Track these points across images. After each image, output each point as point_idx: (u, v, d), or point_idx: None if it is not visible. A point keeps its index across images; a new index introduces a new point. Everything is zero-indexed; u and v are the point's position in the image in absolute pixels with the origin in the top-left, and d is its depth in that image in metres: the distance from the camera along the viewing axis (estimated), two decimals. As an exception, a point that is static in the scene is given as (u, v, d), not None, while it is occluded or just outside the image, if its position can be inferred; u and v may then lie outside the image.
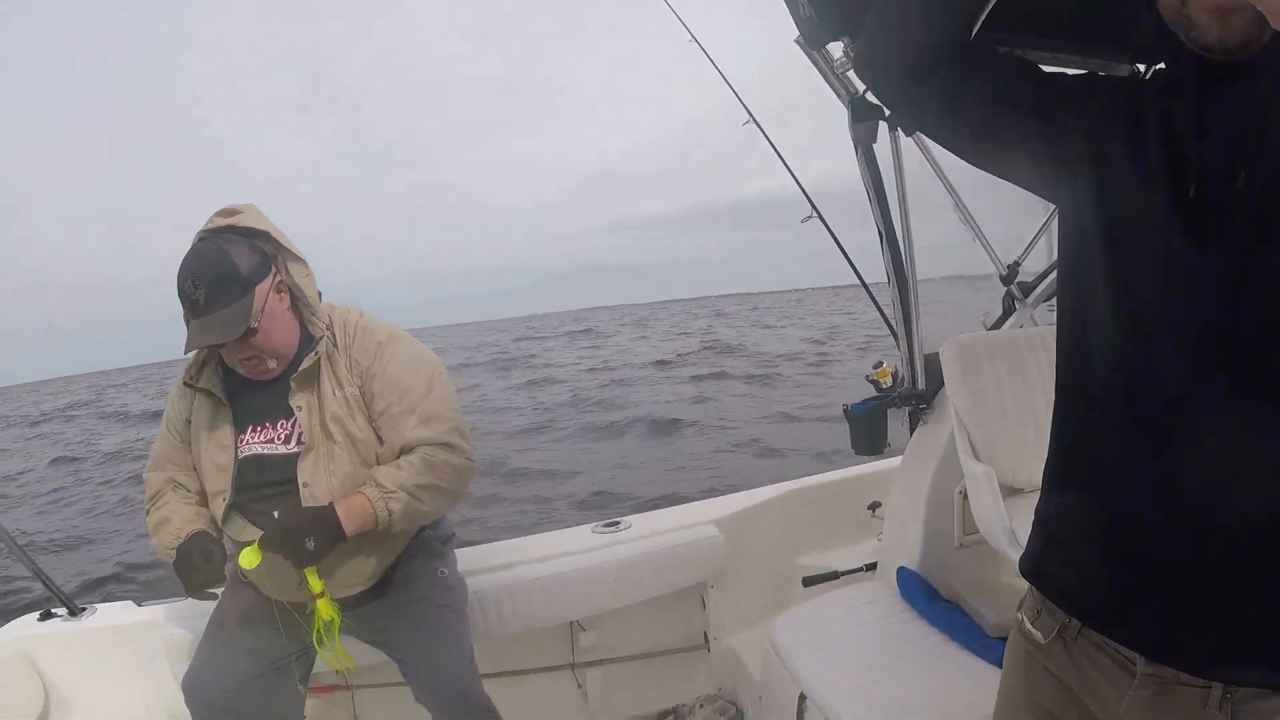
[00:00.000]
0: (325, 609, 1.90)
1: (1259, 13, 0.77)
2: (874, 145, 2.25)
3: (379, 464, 1.93)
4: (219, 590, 1.92)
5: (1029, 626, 1.20)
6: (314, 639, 1.93)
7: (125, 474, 14.66)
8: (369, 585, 2.01)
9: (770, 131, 2.58)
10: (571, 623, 2.78)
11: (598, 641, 2.84)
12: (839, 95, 2.20)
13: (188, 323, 1.79)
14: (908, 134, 2.27)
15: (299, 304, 1.97)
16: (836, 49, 2.13)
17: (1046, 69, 1.14)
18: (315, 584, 1.86)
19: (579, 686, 2.84)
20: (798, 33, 1.98)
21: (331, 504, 1.83)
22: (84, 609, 2.64)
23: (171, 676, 2.14)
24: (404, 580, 2.08)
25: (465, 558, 2.51)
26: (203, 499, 1.98)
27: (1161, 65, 1.07)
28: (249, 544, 1.80)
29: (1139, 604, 1.02)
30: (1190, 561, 0.96)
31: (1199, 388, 0.93)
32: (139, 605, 2.64)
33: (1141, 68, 2.12)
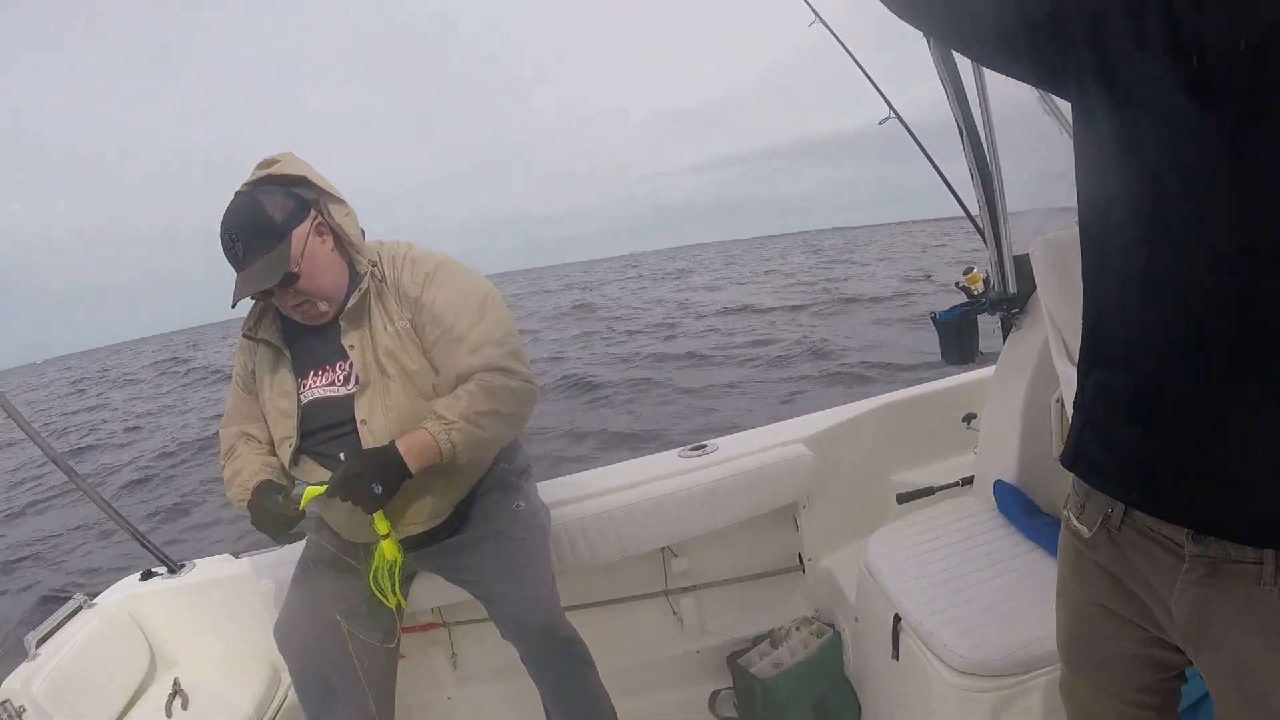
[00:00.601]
0: (389, 549, 1.93)
1: None
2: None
3: (436, 395, 1.92)
4: (303, 530, 1.97)
5: (1075, 522, 1.21)
6: (370, 577, 1.97)
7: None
8: (440, 521, 2.03)
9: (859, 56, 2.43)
10: (663, 549, 2.78)
11: (690, 567, 2.84)
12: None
13: (236, 278, 1.82)
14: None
15: (343, 244, 1.97)
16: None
17: None
18: (381, 525, 1.89)
19: (674, 613, 2.86)
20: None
21: (393, 442, 1.82)
22: (183, 565, 2.77)
23: (270, 625, 2.23)
24: (480, 516, 2.09)
25: (549, 489, 2.54)
26: (273, 448, 2.02)
27: None
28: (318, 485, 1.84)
29: (1177, 475, 1.02)
30: (1223, 425, 0.96)
31: (1217, 248, 0.93)
32: (235, 558, 2.74)
33: None
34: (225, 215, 1.84)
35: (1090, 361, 1.16)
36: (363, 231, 2.00)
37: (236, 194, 1.88)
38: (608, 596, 2.80)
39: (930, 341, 2.80)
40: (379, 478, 1.77)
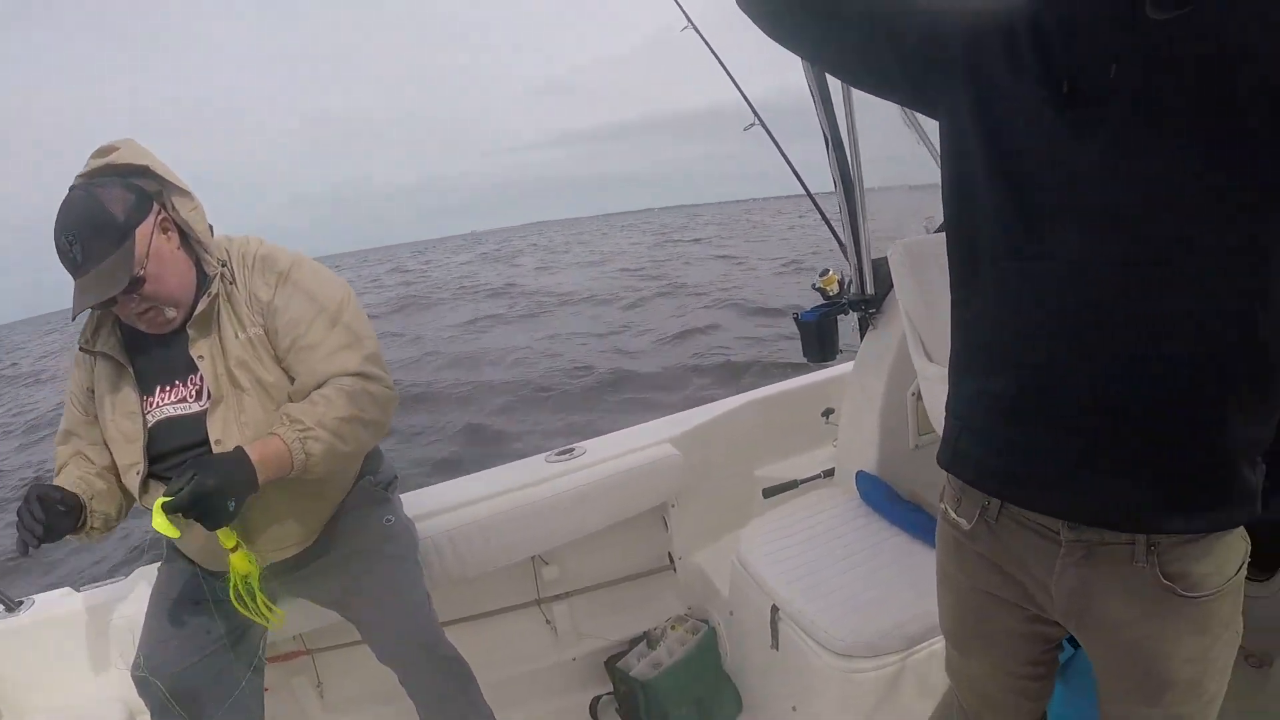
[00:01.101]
0: (240, 562, 1.73)
1: None
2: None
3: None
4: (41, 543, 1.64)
5: (953, 515, 1.28)
6: (231, 596, 1.78)
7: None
8: (307, 544, 1.90)
9: (715, 40, 2.47)
10: (533, 557, 2.75)
11: (561, 574, 2.83)
12: None
13: (74, 284, 1.63)
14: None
15: (190, 241, 1.79)
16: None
17: None
18: (226, 539, 1.69)
19: (547, 621, 2.83)
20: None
21: (241, 449, 1.65)
22: (20, 602, 2.48)
23: (122, 663, 2.04)
24: (347, 534, 1.96)
25: (413, 501, 2.43)
26: (109, 473, 1.82)
27: None
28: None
29: (1055, 469, 1.10)
30: (1098, 423, 1.04)
31: (1091, 259, 1.00)
32: (78, 591, 2.49)
33: None
34: (60, 213, 1.64)
35: (964, 368, 1.24)
36: (210, 227, 1.83)
37: (71, 189, 1.67)
38: (478, 610, 2.74)
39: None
40: (234, 492, 1.59)
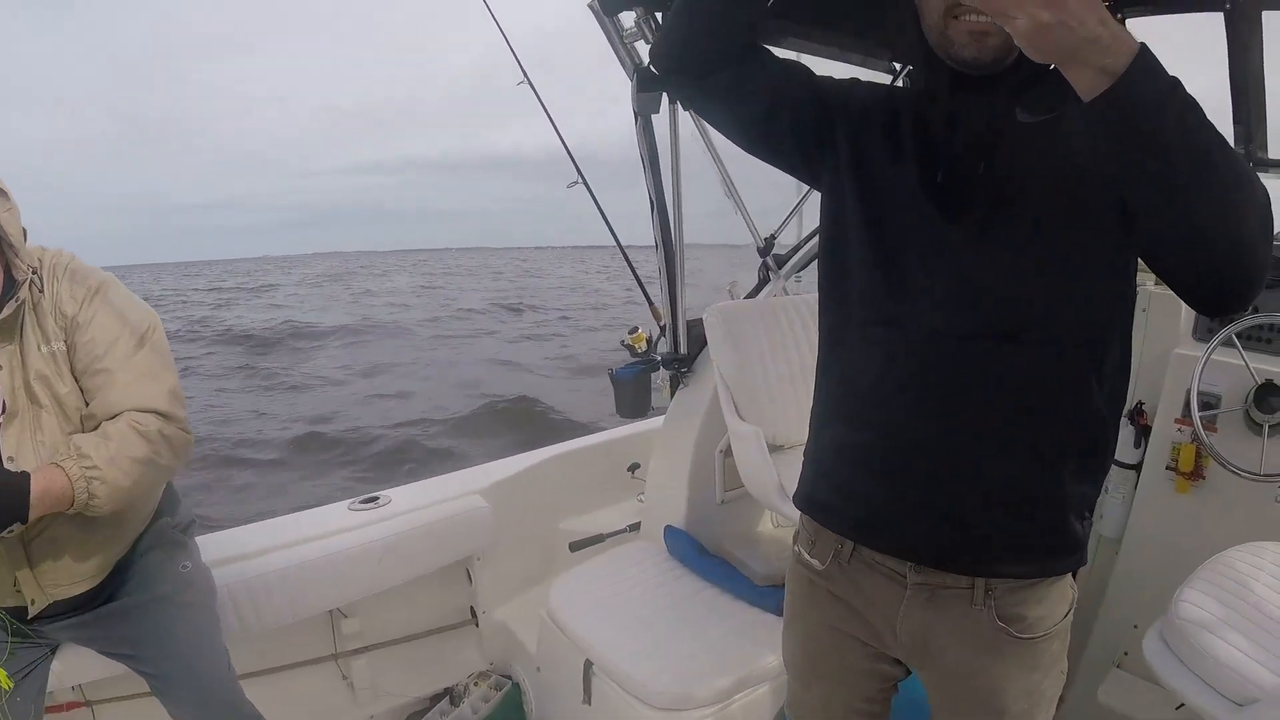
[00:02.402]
0: None
1: (1009, 37, 0.90)
2: (652, 117, 2.27)
3: (84, 429, 1.67)
4: None
5: (806, 556, 1.37)
6: None
7: None
8: (95, 584, 1.75)
9: (539, 80, 2.51)
10: (331, 611, 2.61)
11: (361, 627, 2.69)
12: (624, 64, 2.19)
13: None
14: (686, 108, 2.32)
15: (1, 245, 1.66)
16: (629, 19, 2.12)
17: (818, 74, 1.30)
18: None
19: (344, 677, 2.68)
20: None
21: (28, 474, 1.51)
22: None
23: None
24: (140, 579, 1.82)
25: (208, 546, 2.23)
26: None
27: (913, 70, 1.30)
28: None
29: (906, 519, 1.19)
30: (948, 477, 1.15)
31: (950, 329, 1.11)
32: None
33: (898, 67, 2.33)
34: None
35: (825, 419, 1.32)
36: (24, 231, 1.70)
37: None
38: (270, 664, 2.55)
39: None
40: None
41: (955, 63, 1.10)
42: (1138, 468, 2.39)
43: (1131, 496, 2.39)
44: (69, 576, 1.71)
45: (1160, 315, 2.43)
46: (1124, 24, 0.87)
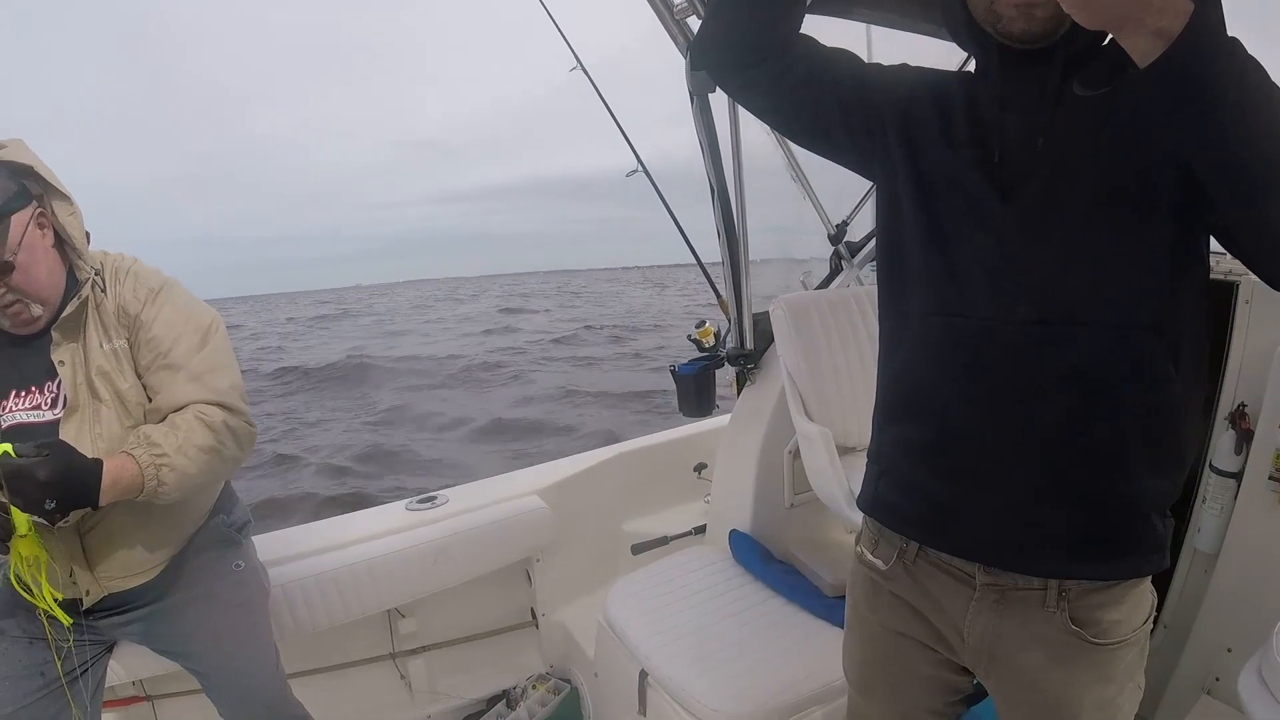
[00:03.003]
0: (27, 547, 1.60)
1: (1058, 8, 0.88)
2: (710, 96, 2.17)
3: (147, 424, 1.71)
4: None
5: (869, 556, 1.32)
6: (11, 579, 1.70)
7: None
8: (150, 579, 1.79)
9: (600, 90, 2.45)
10: (389, 610, 2.59)
11: (418, 627, 2.68)
12: (676, 42, 2.11)
13: None
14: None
15: (64, 246, 1.74)
16: (679, -6, 2.03)
17: (865, 61, 1.27)
18: (20, 521, 1.55)
19: (402, 677, 2.67)
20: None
21: (100, 461, 1.56)
22: None
23: None
24: (193, 577, 1.86)
25: (266, 545, 2.27)
26: None
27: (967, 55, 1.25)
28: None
29: (972, 516, 1.14)
30: (1013, 471, 1.09)
31: (1007, 315, 1.07)
32: None
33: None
34: None
35: (887, 416, 1.27)
36: (88, 234, 1.78)
37: None
38: (328, 662, 2.56)
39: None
40: (59, 494, 1.49)
41: (1004, 37, 1.07)
42: (1238, 476, 2.15)
43: (1230, 508, 2.16)
44: (123, 569, 1.75)
45: (1264, 306, 2.18)
46: None
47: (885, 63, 1.28)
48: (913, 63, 1.28)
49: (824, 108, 1.23)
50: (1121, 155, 1.01)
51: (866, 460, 1.33)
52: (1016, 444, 1.08)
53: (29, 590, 1.68)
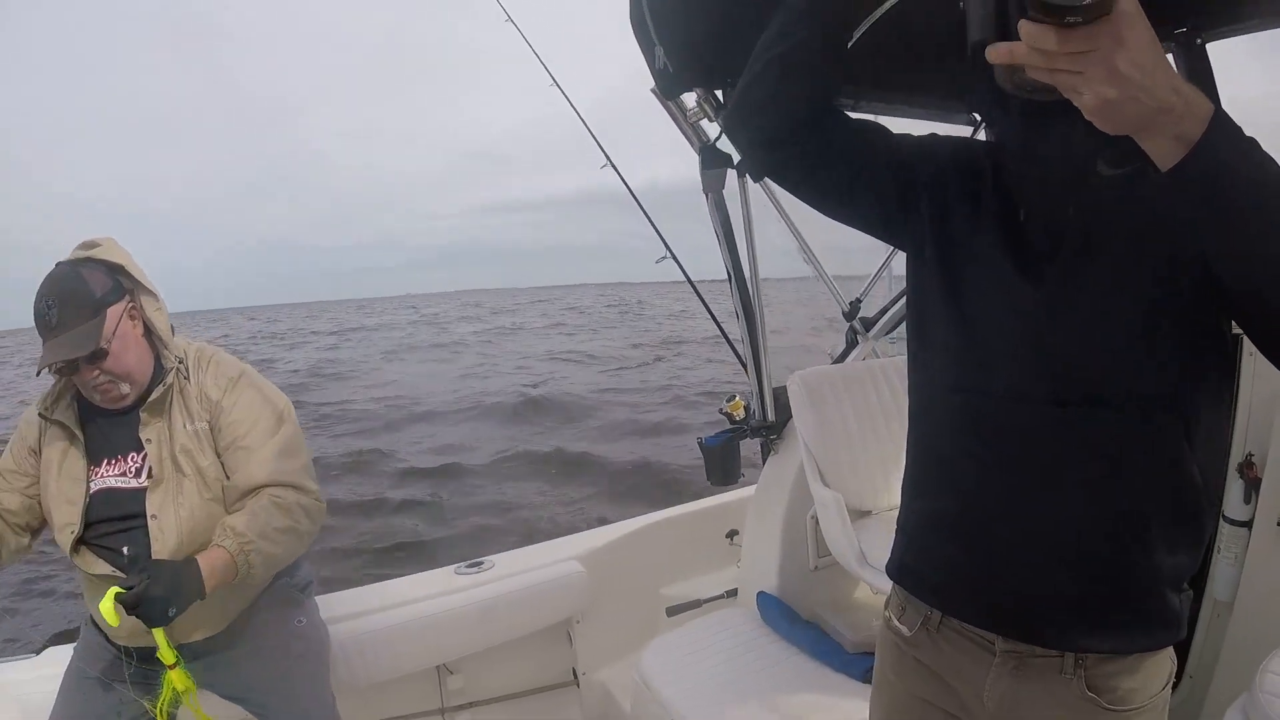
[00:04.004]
0: (180, 680, 1.81)
1: None
2: (723, 190, 2.35)
3: (224, 498, 1.90)
4: None
5: (896, 623, 1.33)
6: (158, 711, 1.85)
7: None
8: (217, 631, 1.94)
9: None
10: (439, 666, 2.74)
11: (466, 684, 2.81)
12: (691, 143, 2.29)
13: (43, 345, 1.79)
14: (755, 180, 2.40)
15: (152, 336, 1.96)
16: (690, 99, 2.22)
17: (894, 132, 1.27)
18: (167, 653, 1.77)
19: None
20: (654, 83, 2.07)
21: (195, 560, 1.75)
22: None
23: None
24: (258, 630, 2.02)
25: (325, 604, 2.42)
26: (11, 520, 1.91)
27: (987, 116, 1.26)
28: (99, 578, 1.75)
29: (992, 588, 1.16)
30: (1032, 546, 1.11)
31: (1031, 395, 1.08)
32: None
33: (978, 117, 2.25)
34: (45, 282, 1.83)
35: (913, 488, 1.30)
36: (172, 327, 2.00)
37: (59, 264, 1.88)
38: (381, 715, 2.70)
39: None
40: (176, 601, 1.68)
41: (1021, 89, 1.00)
42: (1249, 525, 2.23)
43: (1243, 556, 2.23)
44: (194, 623, 1.88)
45: None
46: (1204, 49, 0.86)
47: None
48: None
49: (858, 183, 1.24)
50: (1147, 240, 1.01)
51: (896, 528, 1.35)
52: (1035, 520, 1.10)
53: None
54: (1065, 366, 1.07)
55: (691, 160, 2.32)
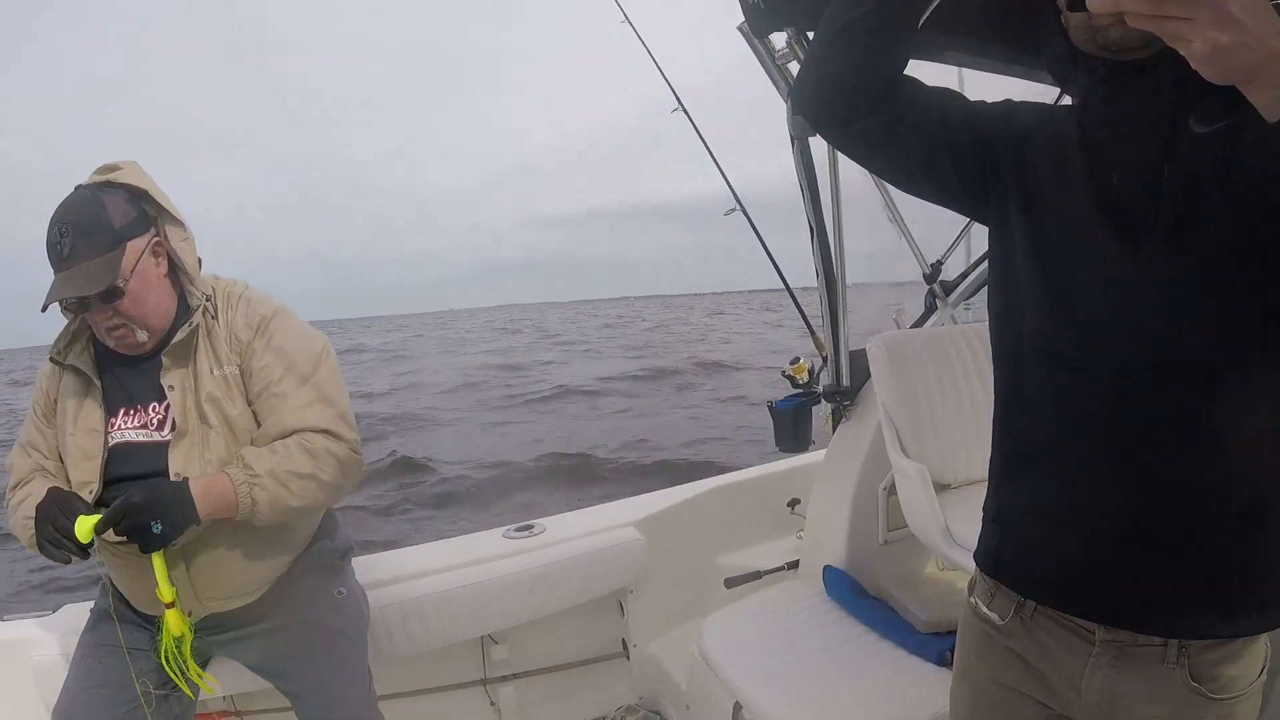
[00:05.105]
0: (175, 622, 1.67)
1: None
2: (810, 140, 2.21)
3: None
4: (73, 555, 1.63)
5: (985, 610, 1.27)
6: (161, 656, 1.73)
7: None
8: (252, 601, 1.82)
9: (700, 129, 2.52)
10: (483, 636, 2.64)
11: (511, 655, 2.72)
12: (778, 87, 2.16)
13: (54, 277, 1.62)
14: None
15: (177, 272, 1.78)
16: (779, 39, 2.08)
17: (971, 100, 1.22)
18: (166, 590, 1.64)
19: (492, 703, 2.71)
20: (743, 19, 1.93)
21: (186, 479, 1.62)
22: None
23: (41, 703, 1.90)
24: (296, 602, 1.88)
25: (365, 568, 2.32)
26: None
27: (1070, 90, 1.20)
28: (116, 542, 1.60)
29: (1096, 577, 1.11)
30: (1144, 530, 1.06)
31: (1136, 368, 1.02)
32: (1, 621, 2.33)
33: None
34: (60, 208, 1.64)
35: (1008, 473, 1.24)
36: (199, 260, 1.82)
37: (78, 188, 1.69)
38: (420, 685, 2.62)
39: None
40: (160, 514, 1.55)
41: (1105, 50, 1.00)
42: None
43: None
44: (225, 591, 1.78)
45: None
46: None
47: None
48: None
49: (935, 153, 1.19)
50: (1247, 200, 0.95)
51: (983, 517, 1.29)
52: (1147, 504, 1.05)
53: (174, 668, 1.74)
54: (1174, 335, 1.00)
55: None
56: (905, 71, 1.20)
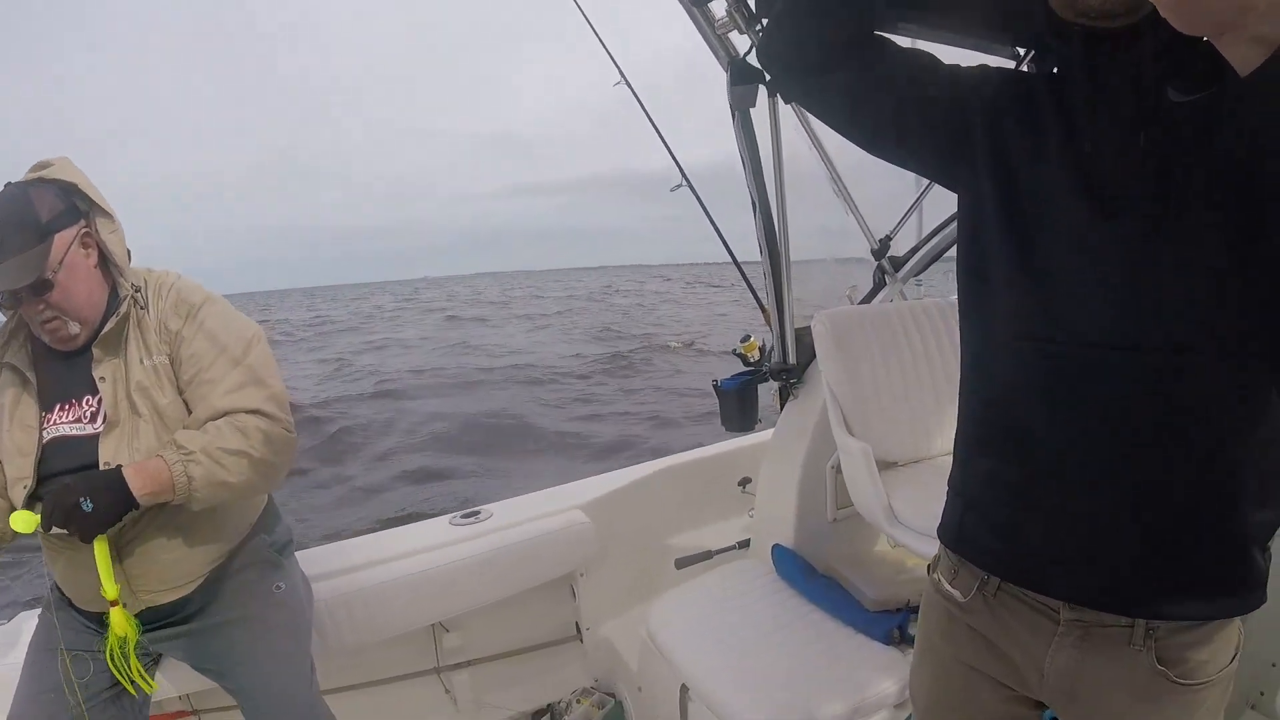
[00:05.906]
0: (119, 622, 1.68)
1: None
2: (751, 111, 2.17)
3: None
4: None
5: (947, 587, 1.25)
6: (106, 656, 1.73)
7: None
8: (187, 593, 1.80)
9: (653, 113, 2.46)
10: (434, 625, 2.61)
11: (463, 642, 2.69)
12: (718, 57, 2.12)
13: None
14: (786, 101, 2.21)
15: (107, 263, 1.78)
16: (719, 8, 2.04)
17: (945, 62, 1.17)
18: (109, 588, 1.64)
19: (446, 691, 2.68)
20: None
21: (119, 466, 1.62)
22: None
23: None
24: (232, 596, 1.86)
25: (310, 560, 2.29)
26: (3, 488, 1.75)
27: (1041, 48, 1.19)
28: (56, 538, 1.62)
29: (1065, 555, 1.08)
30: (1111, 508, 1.03)
31: (1112, 343, 0.99)
32: None
33: (1022, 52, 2.12)
34: None
35: (974, 447, 1.21)
36: (129, 253, 1.82)
37: (6, 185, 1.70)
38: (373, 677, 2.58)
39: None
40: (87, 491, 1.55)
41: (1085, 16, 0.97)
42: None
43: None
44: (159, 582, 1.76)
45: None
46: None
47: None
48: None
49: (905, 115, 1.17)
50: (1228, 170, 0.91)
51: (948, 490, 1.27)
52: (1115, 480, 1.02)
53: (120, 667, 1.74)
54: (1154, 312, 0.97)
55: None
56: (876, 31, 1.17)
